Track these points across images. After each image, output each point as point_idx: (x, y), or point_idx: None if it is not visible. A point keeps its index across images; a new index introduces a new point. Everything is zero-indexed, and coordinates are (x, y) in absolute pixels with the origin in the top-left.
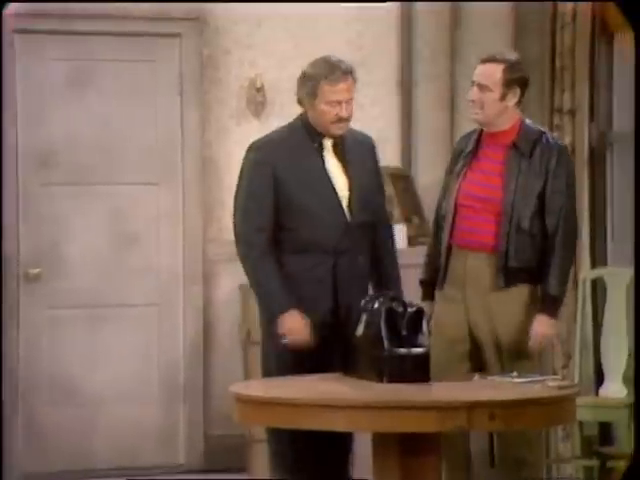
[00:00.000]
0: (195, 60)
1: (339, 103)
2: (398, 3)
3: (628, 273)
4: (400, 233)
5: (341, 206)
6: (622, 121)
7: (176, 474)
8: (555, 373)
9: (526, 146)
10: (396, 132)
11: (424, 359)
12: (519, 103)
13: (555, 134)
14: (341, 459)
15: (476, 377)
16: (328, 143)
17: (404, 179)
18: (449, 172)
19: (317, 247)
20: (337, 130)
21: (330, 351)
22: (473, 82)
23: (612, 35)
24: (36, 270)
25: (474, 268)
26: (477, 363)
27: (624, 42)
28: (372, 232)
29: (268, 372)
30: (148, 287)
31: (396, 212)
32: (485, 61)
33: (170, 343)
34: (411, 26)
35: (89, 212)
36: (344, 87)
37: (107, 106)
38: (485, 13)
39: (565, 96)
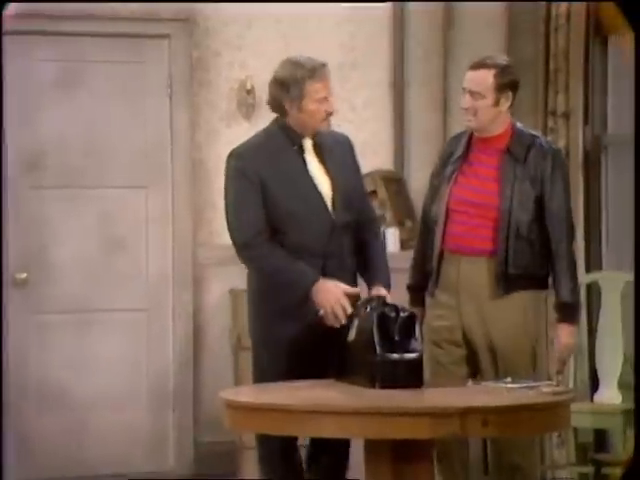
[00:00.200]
0: (184, 61)
1: (326, 99)
2: (390, 3)
3: (623, 277)
4: (392, 237)
5: (326, 208)
6: (617, 124)
7: None
8: (549, 379)
9: (520, 151)
10: (388, 134)
11: (417, 364)
12: (511, 107)
13: (549, 137)
14: (336, 466)
15: (469, 383)
16: (308, 145)
17: (396, 182)
18: (437, 175)
19: (306, 250)
20: (325, 126)
21: (322, 356)
22: (464, 89)
23: (607, 37)
24: (23, 275)
25: (468, 273)
26: (473, 368)
27: (619, 43)
28: (358, 231)
29: (260, 377)
30: (137, 292)
31: (389, 215)
32: (475, 67)
33: (159, 348)
34: (404, 26)
35: (77, 215)
36: (326, 82)
37: (95, 108)
38: (478, 13)
39: (559, 98)
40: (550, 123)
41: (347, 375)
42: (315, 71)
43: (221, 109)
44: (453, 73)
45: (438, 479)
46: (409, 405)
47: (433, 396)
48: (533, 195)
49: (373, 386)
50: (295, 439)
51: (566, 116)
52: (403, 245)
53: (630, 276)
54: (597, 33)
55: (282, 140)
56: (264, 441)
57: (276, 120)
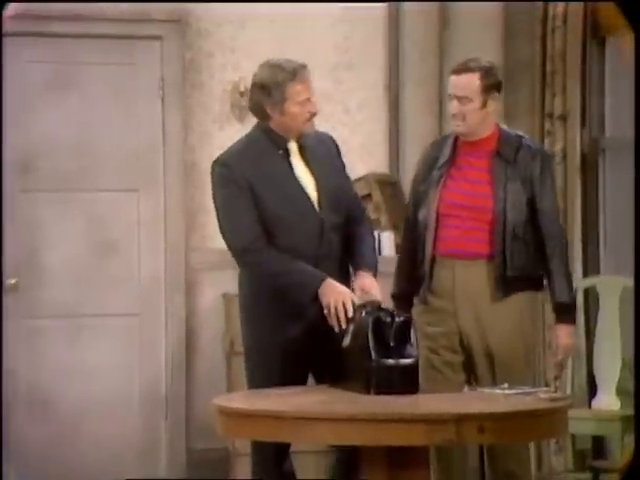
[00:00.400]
0: (177, 63)
1: (309, 100)
2: (385, 4)
3: (621, 282)
4: (388, 241)
5: (314, 209)
6: (615, 126)
7: None
8: (547, 384)
9: (510, 152)
10: (383, 137)
11: (412, 370)
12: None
13: (546, 140)
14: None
15: (466, 389)
16: (293, 148)
17: (392, 185)
18: (422, 181)
19: (297, 253)
20: (309, 128)
21: (316, 360)
22: (450, 95)
23: (604, 38)
24: (13, 280)
25: (464, 277)
26: (470, 374)
27: (616, 45)
28: (346, 228)
29: (253, 383)
30: (129, 296)
31: (384, 219)
32: (459, 72)
33: (151, 354)
34: (399, 27)
35: (68, 219)
36: (308, 83)
37: (86, 110)
38: (474, 13)
39: (556, 101)
40: (547, 126)
41: (342, 381)
42: (296, 73)
43: (214, 111)
44: (449, 74)
45: (434, 478)
46: (404, 411)
47: (429, 402)
48: (525, 196)
49: (368, 392)
50: (288, 446)
51: (563, 118)
52: (398, 249)
53: (629, 281)
54: (594, 34)
55: (266, 144)
56: (258, 447)
57: (258, 125)
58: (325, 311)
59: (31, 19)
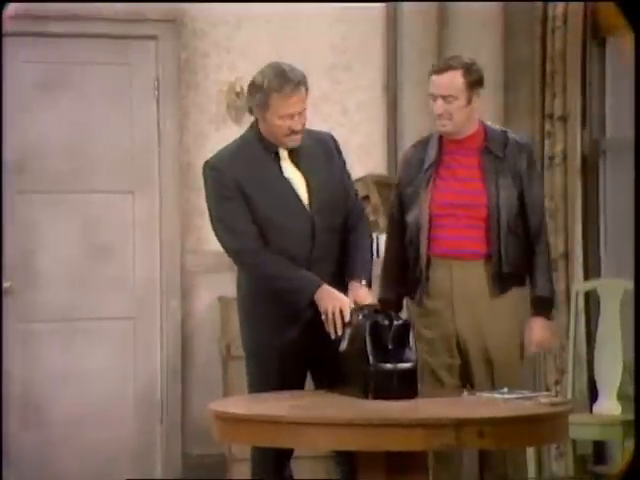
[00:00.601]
0: (172, 63)
1: (291, 117)
2: (383, 3)
3: (622, 285)
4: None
5: (306, 212)
6: (615, 127)
7: None
8: (547, 389)
9: (498, 148)
10: (382, 138)
11: (411, 374)
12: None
13: (546, 141)
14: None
15: (465, 393)
16: (284, 151)
17: (390, 187)
18: (408, 184)
19: (289, 257)
20: (290, 143)
21: (314, 363)
22: (434, 95)
23: (604, 38)
24: (7, 283)
25: (462, 277)
26: (467, 377)
27: (617, 45)
28: (344, 232)
29: (252, 386)
30: (124, 300)
31: (381, 221)
32: (440, 71)
33: (147, 358)
34: (397, 27)
35: (62, 221)
36: (296, 100)
37: (80, 111)
38: (473, 13)
39: (556, 101)
40: (547, 127)
41: (339, 385)
42: (283, 87)
43: (210, 112)
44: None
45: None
46: (403, 416)
47: (427, 407)
48: (515, 190)
49: (366, 397)
50: (289, 452)
51: (563, 119)
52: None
53: (630, 284)
54: (595, 34)
55: (257, 148)
56: (258, 452)
57: (251, 126)
58: (322, 317)
59: (26, 19)
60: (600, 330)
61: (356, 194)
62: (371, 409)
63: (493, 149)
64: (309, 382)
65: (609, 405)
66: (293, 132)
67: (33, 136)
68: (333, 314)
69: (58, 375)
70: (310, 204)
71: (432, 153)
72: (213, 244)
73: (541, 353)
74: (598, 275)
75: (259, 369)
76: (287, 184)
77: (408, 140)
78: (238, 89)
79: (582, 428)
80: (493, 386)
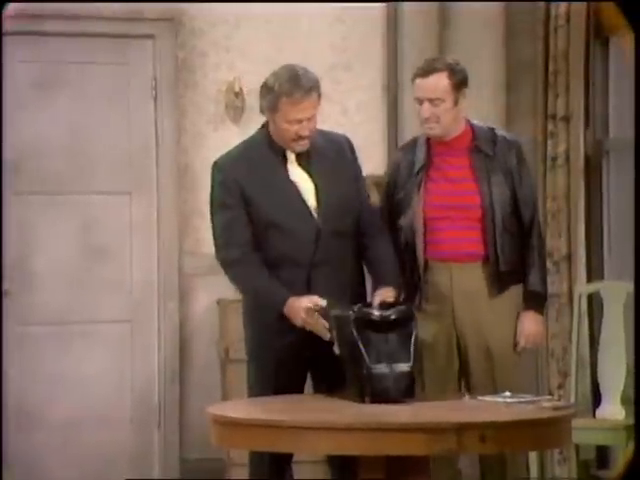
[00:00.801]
0: (170, 63)
1: (300, 122)
2: (383, 3)
3: (626, 287)
4: None
5: (311, 215)
6: (619, 127)
7: None
8: (550, 393)
9: (487, 146)
10: (382, 138)
11: (408, 377)
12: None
13: (549, 141)
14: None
15: (466, 397)
16: (292, 154)
17: None
18: (397, 187)
19: (289, 260)
20: (297, 147)
21: (314, 365)
22: (420, 99)
23: (608, 37)
24: (3, 286)
25: (462, 279)
26: (467, 379)
27: (620, 44)
28: (358, 237)
29: (252, 390)
30: (121, 302)
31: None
32: (425, 74)
33: (144, 361)
34: (397, 27)
35: (58, 223)
36: (306, 106)
37: (77, 111)
38: (475, 13)
39: (559, 101)
40: (550, 127)
41: (337, 388)
42: (294, 92)
43: (208, 112)
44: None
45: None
46: (403, 421)
47: (428, 411)
48: (507, 188)
49: (362, 400)
50: (289, 456)
51: (566, 120)
52: None
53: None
54: (598, 34)
55: (265, 150)
56: (257, 456)
57: (262, 128)
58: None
59: (23, 18)
60: (603, 333)
61: (369, 201)
62: (371, 413)
63: (482, 148)
64: (308, 385)
65: (612, 409)
66: (300, 137)
67: (29, 136)
68: (306, 325)
69: (54, 379)
70: (318, 209)
71: (421, 156)
72: (211, 246)
73: (543, 355)
74: (601, 277)
75: (259, 371)
76: (292, 186)
77: (421, 139)
78: (237, 89)
79: (585, 432)
80: (494, 385)
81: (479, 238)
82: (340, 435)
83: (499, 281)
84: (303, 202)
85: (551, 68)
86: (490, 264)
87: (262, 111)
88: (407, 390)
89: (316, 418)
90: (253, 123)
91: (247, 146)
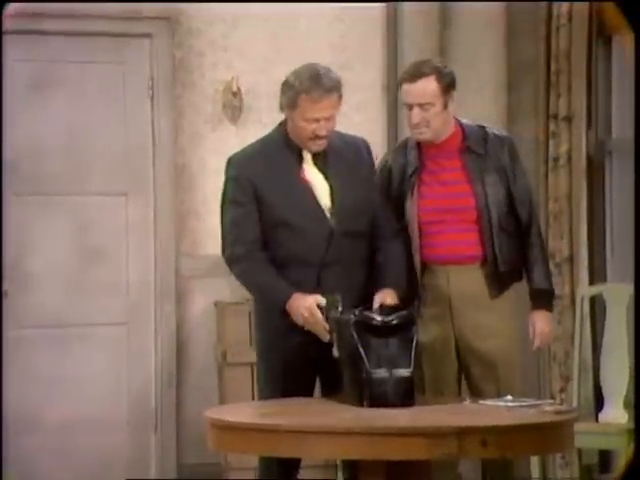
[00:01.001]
0: (167, 62)
1: (317, 121)
2: (383, 3)
3: (629, 290)
4: None
5: (324, 216)
6: (622, 128)
7: None
8: (552, 397)
9: (479, 145)
10: (381, 139)
11: (408, 383)
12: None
13: (550, 142)
14: None
15: (467, 401)
16: (308, 153)
17: None
18: (390, 191)
19: (300, 260)
20: (313, 147)
21: (323, 367)
22: (409, 105)
23: (610, 36)
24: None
25: (460, 282)
26: (467, 382)
27: (623, 43)
28: (371, 239)
29: (260, 392)
30: (117, 305)
31: None
32: (412, 79)
33: (141, 365)
34: (397, 26)
35: (53, 224)
36: (326, 105)
37: (73, 110)
38: (476, 12)
39: (561, 101)
40: (552, 127)
41: (337, 392)
42: (313, 90)
43: (205, 112)
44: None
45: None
46: (403, 425)
47: (429, 415)
48: (502, 186)
49: (362, 405)
50: (297, 462)
51: (568, 120)
52: None
53: None
54: (600, 33)
55: (281, 148)
56: (263, 461)
57: (280, 125)
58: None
59: (19, 16)
60: (606, 336)
61: (384, 205)
62: (371, 417)
63: (474, 147)
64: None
65: (615, 413)
66: (317, 137)
67: (24, 137)
68: (311, 323)
69: (50, 382)
70: (331, 209)
71: (413, 159)
72: (208, 248)
73: (545, 359)
74: (604, 279)
75: (268, 373)
76: (306, 186)
77: (411, 141)
78: (235, 88)
79: (587, 437)
80: (497, 388)
81: (476, 240)
82: (339, 439)
83: (499, 281)
84: (316, 202)
85: (553, 67)
86: (488, 265)
87: (281, 108)
88: (406, 395)
89: (314, 422)
90: (251, 123)
91: (263, 143)
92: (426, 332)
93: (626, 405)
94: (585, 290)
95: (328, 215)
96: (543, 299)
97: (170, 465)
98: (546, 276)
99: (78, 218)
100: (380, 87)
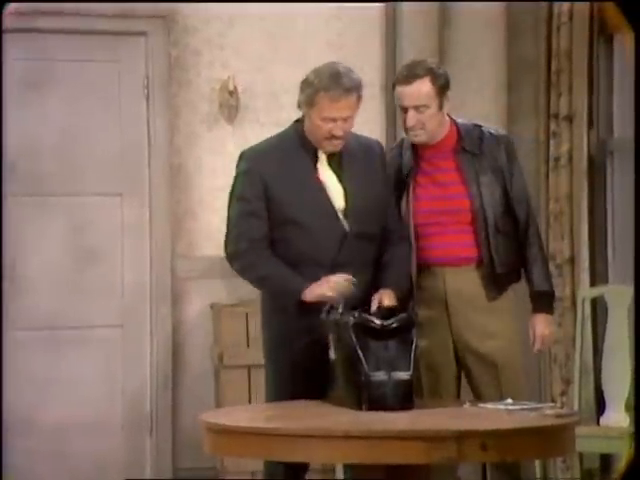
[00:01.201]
0: (162, 61)
1: (334, 120)
2: (382, 3)
3: (630, 291)
4: None
5: (337, 217)
6: (623, 127)
7: None
8: (553, 400)
9: (473, 145)
10: (380, 139)
11: (407, 386)
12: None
13: (551, 141)
14: None
15: (467, 404)
16: (323, 154)
17: None
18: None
19: (311, 260)
20: (329, 147)
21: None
22: (403, 107)
23: (612, 35)
24: None
25: (456, 284)
26: (471, 386)
27: (624, 42)
28: (378, 244)
29: (267, 394)
30: (111, 307)
31: None
32: (407, 81)
33: (136, 368)
34: (396, 25)
35: (47, 225)
36: (344, 105)
37: (67, 109)
38: (476, 12)
39: (562, 101)
40: (552, 127)
41: (335, 394)
42: (332, 89)
43: (202, 111)
44: (394, 86)
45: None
46: (402, 428)
47: (428, 418)
48: (498, 186)
49: (360, 408)
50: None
51: (569, 119)
52: None
53: None
54: (602, 31)
55: (296, 146)
56: (270, 465)
57: (296, 123)
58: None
59: (12, 15)
60: (607, 338)
61: (395, 209)
62: (370, 420)
63: (468, 147)
64: None
65: (617, 417)
66: (333, 137)
67: (17, 136)
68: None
69: (42, 386)
70: (346, 211)
71: (407, 161)
72: (205, 249)
73: (545, 362)
74: (605, 281)
75: (277, 374)
76: (320, 186)
77: (406, 142)
78: (231, 87)
79: (589, 441)
80: (498, 390)
81: (472, 241)
82: (337, 443)
83: (496, 283)
84: (330, 203)
85: (554, 66)
86: (485, 267)
87: (299, 106)
88: (405, 398)
89: (312, 425)
90: (247, 122)
91: (279, 140)
92: (423, 335)
93: (628, 408)
94: (586, 292)
95: (341, 217)
96: (543, 301)
97: (165, 468)
98: (546, 277)
99: (72, 219)
100: (379, 87)
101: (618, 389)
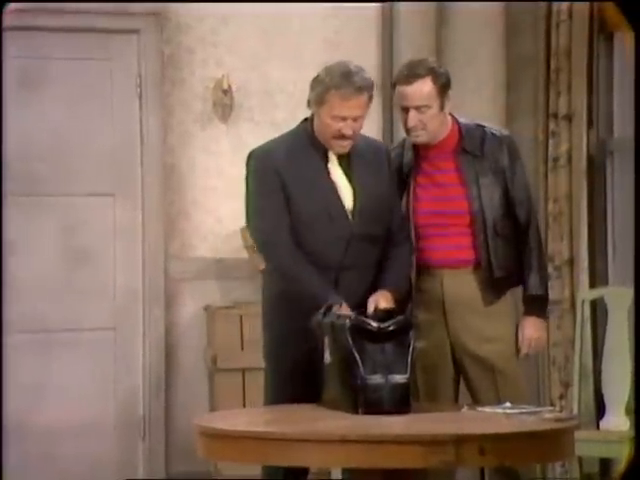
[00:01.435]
0: (155, 59)
1: (344, 119)
2: (379, 3)
3: (630, 293)
4: None
5: (346, 217)
6: (623, 127)
7: None
8: (552, 404)
9: (475, 146)
10: (377, 138)
11: (404, 389)
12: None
13: (550, 141)
14: None
15: (465, 408)
16: (333, 154)
17: None
18: None
19: (319, 260)
20: (337, 147)
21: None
22: (404, 108)
23: (611, 34)
24: None
25: (453, 286)
26: (469, 389)
27: (624, 41)
28: (383, 245)
29: (266, 396)
30: (103, 309)
31: None
32: (407, 81)
33: (128, 371)
34: (393, 24)
35: (38, 226)
36: (355, 104)
37: (58, 108)
38: (474, 11)
39: (561, 100)
40: (551, 126)
41: (330, 398)
42: (343, 87)
43: (195, 110)
44: (395, 85)
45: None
46: (399, 432)
47: (425, 422)
48: (499, 188)
49: (356, 412)
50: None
51: (568, 119)
52: None
53: None
54: (601, 29)
55: (306, 145)
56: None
57: (304, 121)
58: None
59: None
60: (607, 341)
61: (400, 212)
62: (366, 424)
63: (469, 148)
64: None
65: (617, 421)
66: (343, 136)
67: (8, 136)
68: None
69: (33, 389)
70: (353, 211)
71: (408, 161)
72: (198, 250)
73: (544, 365)
74: (605, 283)
75: (276, 375)
76: (332, 186)
77: (408, 142)
78: (225, 86)
79: (588, 445)
80: (496, 394)
81: (470, 244)
82: (333, 447)
83: (494, 287)
84: (341, 204)
85: (553, 65)
86: (483, 270)
87: (309, 104)
88: (402, 402)
89: (308, 429)
90: (242, 121)
91: (287, 138)
92: (421, 337)
93: (628, 412)
94: (585, 293)
95: (350, 218)
96: (535, 305)
97: (158, 472)
98: (542, 282)
99: (63, 219)
100: (376, 87)
101: (618, 392)
